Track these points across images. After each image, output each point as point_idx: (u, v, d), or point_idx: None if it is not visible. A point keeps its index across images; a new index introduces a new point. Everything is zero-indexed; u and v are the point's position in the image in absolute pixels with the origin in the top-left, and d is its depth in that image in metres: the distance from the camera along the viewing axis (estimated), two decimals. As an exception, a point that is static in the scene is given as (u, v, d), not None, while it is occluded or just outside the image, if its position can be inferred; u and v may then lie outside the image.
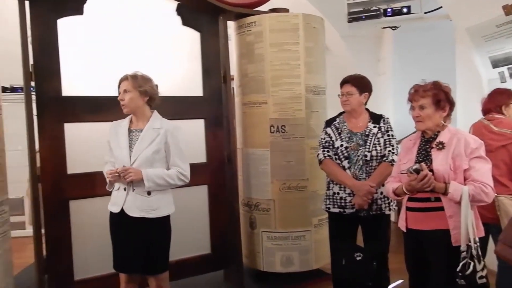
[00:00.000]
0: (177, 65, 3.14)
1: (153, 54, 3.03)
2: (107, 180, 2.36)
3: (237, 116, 3.56)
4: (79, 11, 2.78)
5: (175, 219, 2.54)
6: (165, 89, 3.02)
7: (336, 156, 2.64)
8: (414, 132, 2.29)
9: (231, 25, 3.43)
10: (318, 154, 2.74)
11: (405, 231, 2.21)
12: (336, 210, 2.65)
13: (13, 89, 4.93)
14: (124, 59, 2.84)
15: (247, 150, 3.43)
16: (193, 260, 3.20)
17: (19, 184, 4.05)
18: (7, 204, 2.50)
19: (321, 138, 2.76)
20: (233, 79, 3.55)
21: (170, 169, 2.39)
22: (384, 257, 2.64)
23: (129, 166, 2.29)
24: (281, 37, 3.24)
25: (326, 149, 2.70)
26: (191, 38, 3.21)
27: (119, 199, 2.34)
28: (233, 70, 3.46)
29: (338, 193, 2.64)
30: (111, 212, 2.39)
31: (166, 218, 2.42)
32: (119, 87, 2.39)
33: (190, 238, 3.17)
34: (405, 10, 4.10)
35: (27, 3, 2.60)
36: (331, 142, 2.68)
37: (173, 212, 2.44)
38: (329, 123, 2.77)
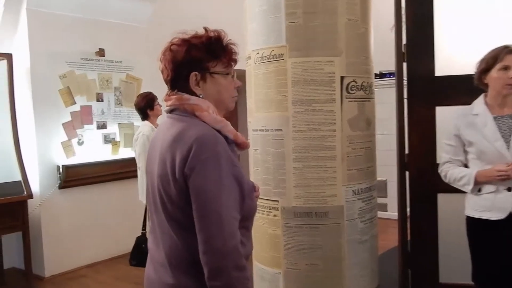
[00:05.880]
0: None
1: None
2: (470, 180, 1.97)
3: None
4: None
5: None
6: None
7: None
8: None
9: None
10: None
11: None
12: None
13: (381, 75, 5.09)
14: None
15: None
16: None
17: (382, 167, 4.12)
18: (375, 189, 2.47)
19: None
20: None
21: None
22: None
23: None
24: None
25: None
26: None
27: (505, 203, 1.89)
28: None
29: None
30: (479, 219, 1.98)
31: None
32: (495, 62, 1.93)
33: None
34: None
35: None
36: None
37: None
38: None
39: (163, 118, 1.33)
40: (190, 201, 1.12)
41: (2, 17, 3.82)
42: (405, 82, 2.54)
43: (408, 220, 2.59)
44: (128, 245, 3.49)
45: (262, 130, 2.34)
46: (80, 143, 4.20)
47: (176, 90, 1.26)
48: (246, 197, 1.19)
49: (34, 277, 3.83)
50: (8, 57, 3.81)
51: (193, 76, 1.22)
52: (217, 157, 1.12)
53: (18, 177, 3.71)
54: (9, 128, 3.77)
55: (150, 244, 1.30)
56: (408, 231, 2.57)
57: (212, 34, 1.25)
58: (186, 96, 1.23)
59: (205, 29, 1.26)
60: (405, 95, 2.51)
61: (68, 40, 4.10)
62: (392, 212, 5.48)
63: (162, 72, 1.27)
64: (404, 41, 2.46)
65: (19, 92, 3.89)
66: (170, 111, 1.27)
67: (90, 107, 4.27)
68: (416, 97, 2.49)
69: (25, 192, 3.67)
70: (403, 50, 2.46)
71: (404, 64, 2.49)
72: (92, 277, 3.94)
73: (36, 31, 3.89)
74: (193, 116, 1.21)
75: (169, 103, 1.26)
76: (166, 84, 1.29)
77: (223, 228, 1.09)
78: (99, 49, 4.29)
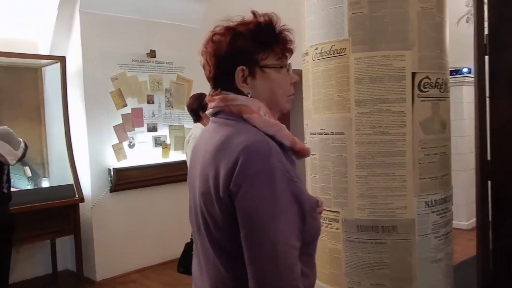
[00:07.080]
0: None
1: None
2: None
3: None
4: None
5: None
6: None
7: None
8: None
9: None
10: None
11: None
12: None
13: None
14: None
15: None
16: None
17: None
18: (451, 200, 2.18)
19: None
20: None
21: None
22: None
23: None
24: None
25: None
26: None
27: None
28: None
29: None
30: None
31: None
32: None
33: None
34: None
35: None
36: None
37: None
38: None
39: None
40: (237, 225, 0.91)
41: (56, 20, 3.85)
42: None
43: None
44: (177, 250, 3.38)
45: (321, 134, 2.12)
46: (131, 146, 4.16)
47: (219, 89, 1.06)
48: (308, 217, 0.97)
49: (85, 280, 3.82)
50: (62, 59, 3.83)
51: (240, 72, 1.02)
52: (270, 171, 0.90)
53: (70, 180, 3.71)
54: (62, 131, 3.79)
55: (194, 269, 1.11)
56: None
57: (261, 19, 1.05)
58: (231, 95, 1.03)
59: (253, 13, 1.06)
60: (487, 93, 2.19)
61: (119, 42, 4.08)
62: (458, 221, 5.04)
63: (203, 68, 1.08)
64: (486, 31, 2.14)
65: (71, 95, 3.90)
66: (214, 114, 1.07)
67: (140, 109, 4.22)
68: (501, 95, 2.15)
69: (77, 196, 3.66)
70: (485, 41, 2.14)
71: (486, 58, 2.17)
72: (141, 283, 3.88)
73: (88, 33, 3.89)
74: (240, 119, 1.00)
75: (212, 104, 1.06)
76: (209, 81, 1.09)
77: (279, 261, 0.87)
78: (150, 50, 4.23)
